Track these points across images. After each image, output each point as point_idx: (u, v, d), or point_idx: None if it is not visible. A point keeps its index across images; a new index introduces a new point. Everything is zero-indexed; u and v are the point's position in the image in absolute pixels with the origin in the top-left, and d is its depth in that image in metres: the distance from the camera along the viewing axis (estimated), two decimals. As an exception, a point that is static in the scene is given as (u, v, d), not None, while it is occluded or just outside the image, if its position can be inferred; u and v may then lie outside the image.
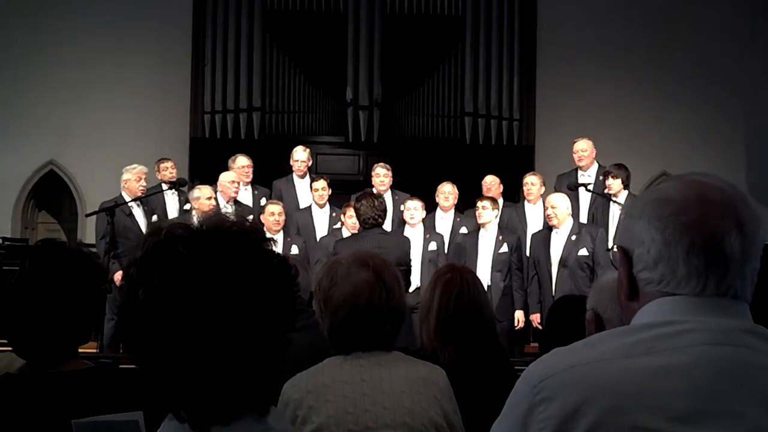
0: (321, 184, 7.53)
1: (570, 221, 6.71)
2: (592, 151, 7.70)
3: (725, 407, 1.08)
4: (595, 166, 7.70)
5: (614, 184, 7.14)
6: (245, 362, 1.10)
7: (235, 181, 7.43)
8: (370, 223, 5.57)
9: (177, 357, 1.08)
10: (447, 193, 7.45)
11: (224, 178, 7.43)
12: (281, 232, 7.08)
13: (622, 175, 7.15)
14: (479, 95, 10.19)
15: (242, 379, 1.10)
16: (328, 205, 7.57)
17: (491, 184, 7.92)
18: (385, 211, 5.71)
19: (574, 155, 7.74)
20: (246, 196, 7.79)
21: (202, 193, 7.03)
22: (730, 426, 1.08)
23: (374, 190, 7.38)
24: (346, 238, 6.49)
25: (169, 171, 7.80)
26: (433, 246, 7.00)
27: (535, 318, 6.81)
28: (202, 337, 1.07)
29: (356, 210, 5.80)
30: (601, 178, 7.43)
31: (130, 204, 7.22)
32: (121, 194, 7.31)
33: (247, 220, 1.20)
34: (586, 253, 6.55)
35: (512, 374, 2.96)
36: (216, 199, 7.17)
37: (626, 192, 7.19)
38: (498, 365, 2.95)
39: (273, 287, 1.13)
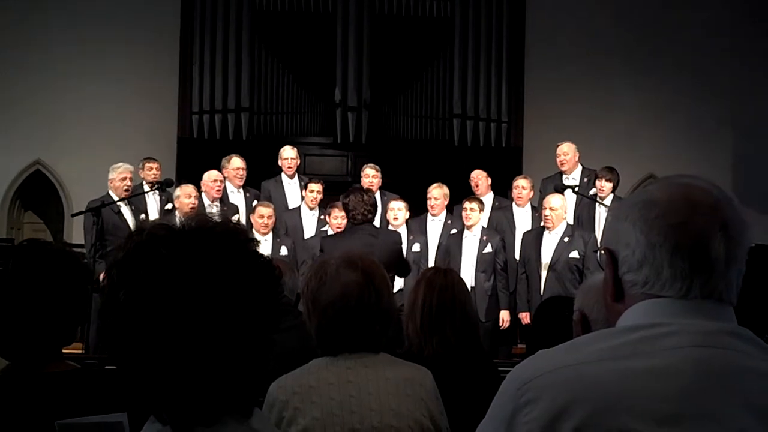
0: (317, 186, 7.53)
1: (564, 223, 6.76)
2: (575, 155, 7.77)
3: (709, 410, 1.08)
4: (579, 168, 7.80)
5: (606, 187, 7.21)
6: (228, 364, 1.09)
7: (218, 180, 7.40)
8: (359, 219, 5.35)
9: (159, 359, 1.07)
10: (434, 198, 7.41)
11: (206, 177, 7.41)
12: (271, 233, 7.07)
13: (615, 179, 7.25)
14: (468, 97, 10.20)
15: (225, 380, 1.09)
16: (317, 207, 7.57)
17: (478, 177, 7.92)
18: (374, 206, 5.43)
19: (557, 158, 7.81)
20: (238, 199, 7.77)
21: (182, 192, 7.03)
22: (713, 428, 1.08)
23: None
24: (333, 235, 6.38)
25: (153, 172, 7.73)
26: (416, 248, 7.01)
27: (525, 316, 6.81)
28: (185, 338, 1.06)
29: (345, 205, 5.52)
30: (585, 180, 7.51)
31: (117, 203, 7.21)
32: (108, 193, 7.30)
33: (231, 221, 1.19)
34: (577, 256, 6.60)
35: (493, 371, 3.00)
36: (198, 197, 7.16)
37: (611, 194, 7.27)
38: (480, 361, 2.98)
39: (257, 288, 1.12)
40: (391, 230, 6.58)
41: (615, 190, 7.30)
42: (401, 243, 5.60)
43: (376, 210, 5.48)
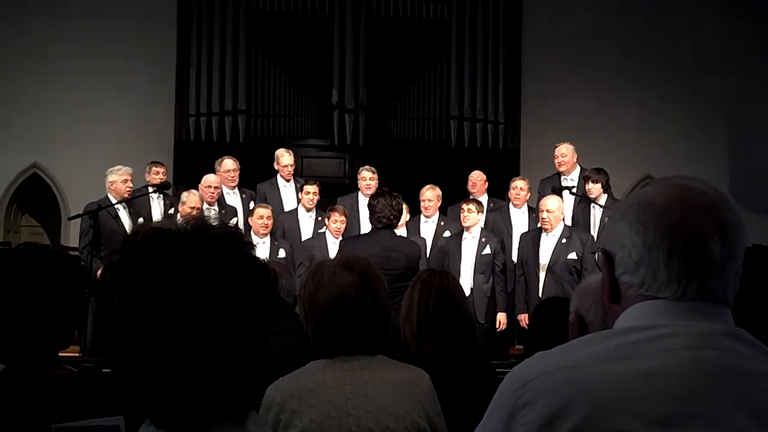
0: (313, 188, 7.52)
1: (561, 225, 6.77)
2: (573, 156, 7.76)
3: (705, 411, 1.08)
4: (578, 169, 7.78)
5: (594, 189, 7.22)
6: (224, 367, 1.09)
7: (212, 186, 7.38)
8: (384, 222, 5.17)
9: (154, 362, 1.07)
10: (427, 200, 7.40)
11: (202, 182, 7.41)
12: (269, 235, 7.06)
13: (602, 180, 7.24)
14: (465, 99, 10.20)
15: (221, 384, 1.09)
16: (314, 209, 7.57)
17: (477, 179, 7.93)
18: (401, 212, 5.32)
19: (555, 160, 7.80)
20: (234, 200, 7.77)
21: (187, 200, 7.01)
22: (709, 430, 1.08)
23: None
24: (353, 237, 6.26)
25: (160, 176, 7.74)
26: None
27: (523, 318, 6.81)
28: (180, 342, 1.06)
29: (371, 206, 5.37)
30: (584, 181, 7.51)
31: (116, 206, 7.19)
32: (106, 196, 7.27)
33: (227, 224, 1.18)
34: (575, 257, 6.60)
35: (491, 373, 3.00)
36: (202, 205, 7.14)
37: (606, 195, 7.28)
38: (477, 363, 2.98)
39: (252, 291, 1.12)
40: (412, 240, 6.34)
41: (606, 191, 7.29)
42: (420, 253, 5.44)
43: (401, 216, 5.39)
